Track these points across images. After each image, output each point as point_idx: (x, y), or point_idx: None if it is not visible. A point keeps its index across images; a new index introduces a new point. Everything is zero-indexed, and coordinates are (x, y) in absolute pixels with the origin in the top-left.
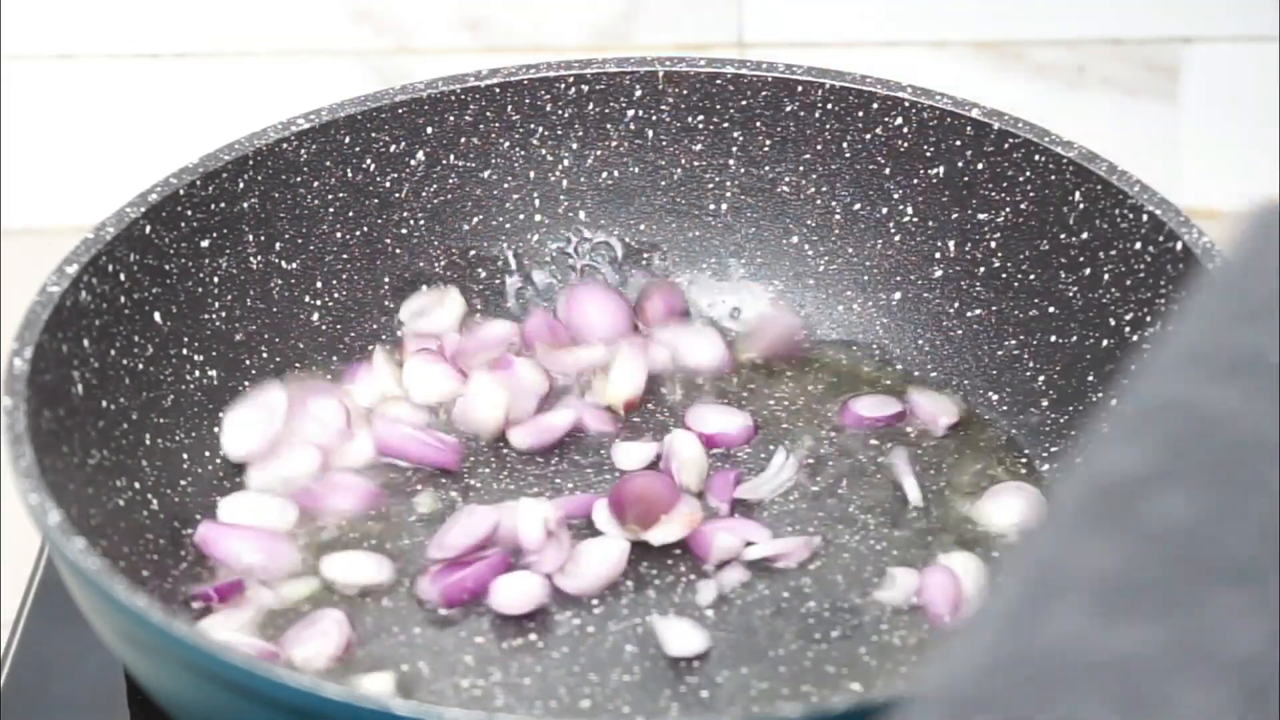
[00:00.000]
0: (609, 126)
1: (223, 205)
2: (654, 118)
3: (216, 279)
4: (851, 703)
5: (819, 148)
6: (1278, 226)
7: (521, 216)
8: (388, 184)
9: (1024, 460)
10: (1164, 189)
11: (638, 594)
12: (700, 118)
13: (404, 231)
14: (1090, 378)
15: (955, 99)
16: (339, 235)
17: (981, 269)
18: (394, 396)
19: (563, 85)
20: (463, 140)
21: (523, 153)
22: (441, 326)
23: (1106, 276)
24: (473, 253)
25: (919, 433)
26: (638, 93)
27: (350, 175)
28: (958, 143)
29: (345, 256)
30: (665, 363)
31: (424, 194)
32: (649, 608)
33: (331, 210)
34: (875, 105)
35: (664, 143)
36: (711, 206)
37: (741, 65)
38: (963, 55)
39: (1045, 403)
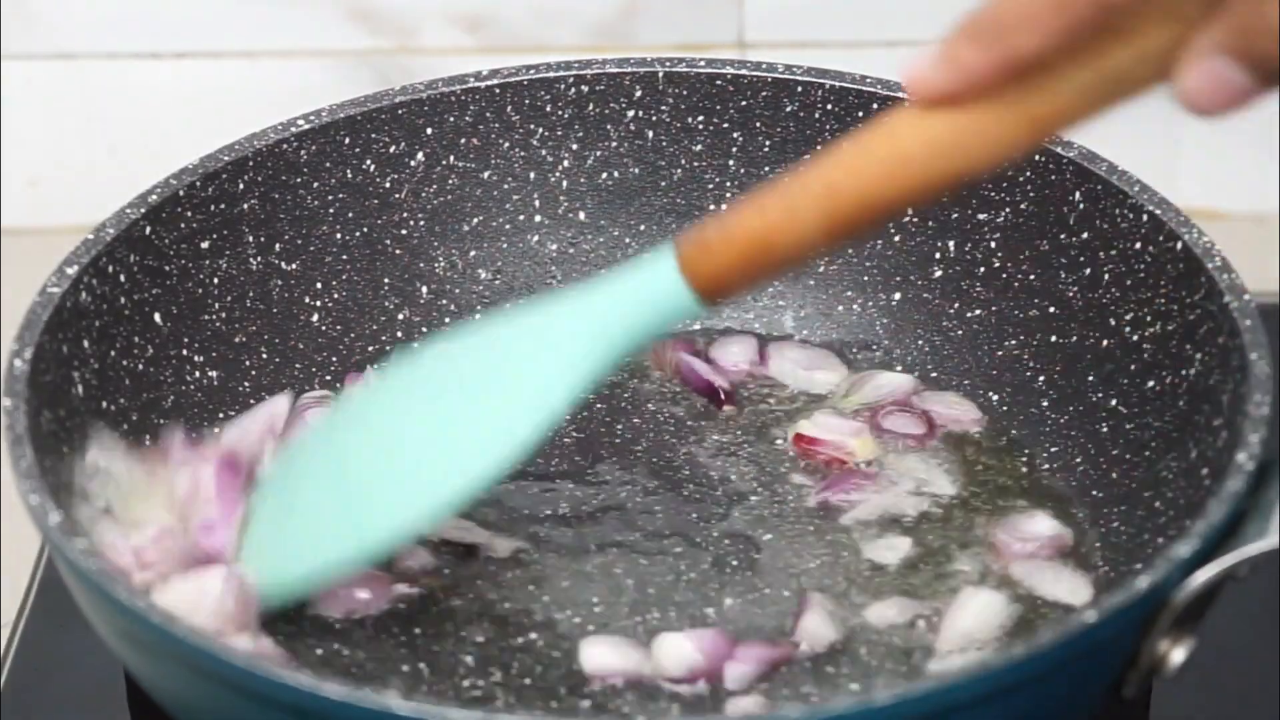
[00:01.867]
0: (609, 127)
1: (222, 206)
2: (654, 118)
3: (216, 280)
4: (851, 703)
5: (819, 148)
6: None
7: (521, 216)
8: (388, 185)
9: (1024, 460)
10: (1164, 189)
11: (638, 594)
12: (700, 118)
13: (404, 232)
14: (1090, 378)
15: None
16: (339, 236)
17: (981, 269)
18: None
19: (563, 85)
20: (463, 141)
21: (523, 153)
22: None
23: (1106, 276)
24: (472, 253)
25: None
26: (638, 93)
27: (350, 176)
28: None
29: (345, 257)
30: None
31: (424, 194)
32: (649, 607)
33: (331, 211)
34: (875, 105)
35: (664, 143)
36: (711, 206)
37: (741, 65)
38: None
39: (1045, 403)
